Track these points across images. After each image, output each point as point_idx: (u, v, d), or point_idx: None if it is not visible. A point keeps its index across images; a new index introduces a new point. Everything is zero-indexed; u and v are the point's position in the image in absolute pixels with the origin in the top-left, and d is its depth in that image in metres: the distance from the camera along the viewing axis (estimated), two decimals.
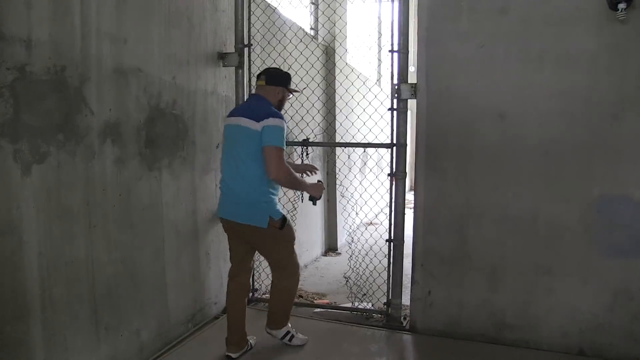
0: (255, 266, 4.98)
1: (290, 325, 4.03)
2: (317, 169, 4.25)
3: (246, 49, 4.76)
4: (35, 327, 2.91)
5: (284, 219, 3.62)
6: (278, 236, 3.66)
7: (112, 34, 3.38)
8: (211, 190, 4.60)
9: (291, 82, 3.87)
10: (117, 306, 3.52)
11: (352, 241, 4.99)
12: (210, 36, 4.53)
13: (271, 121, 3.45)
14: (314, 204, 3.97)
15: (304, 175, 4.19)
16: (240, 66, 4.72)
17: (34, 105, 2.84)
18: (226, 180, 3.68)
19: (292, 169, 3.58)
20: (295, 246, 3.87)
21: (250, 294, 4.92)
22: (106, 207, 3.40)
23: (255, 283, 5.02)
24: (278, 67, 3.96)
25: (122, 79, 3.49)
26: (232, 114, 3.78)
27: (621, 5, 3.51)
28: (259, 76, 3.80)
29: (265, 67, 5.15)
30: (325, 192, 4.80)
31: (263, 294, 5.15)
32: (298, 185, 3.71)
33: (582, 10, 3.71)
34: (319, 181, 3.96)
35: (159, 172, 3.89)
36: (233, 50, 4.74)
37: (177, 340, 4.11)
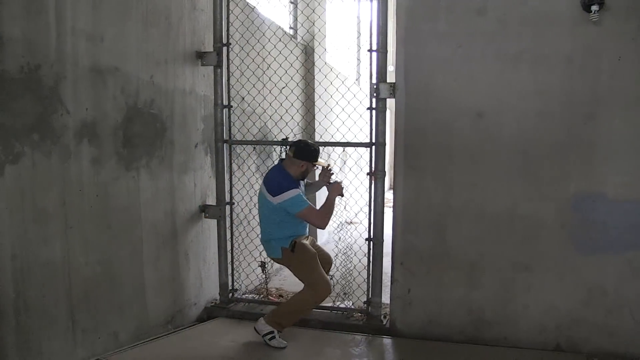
0: (235, 266, 4.94)
1: (277, 332, 4.05)
2: (330, 172, 4.38)
3: (225, 48, 4.68)
4: (8, 332, 2.84)
5: (293, 244, 4.06)
6: (295, 259, 4.10)
7: (88, 32, 3.31)
8: (190, 190, 4.54)
9: (318, 157, 4.18)
10: (94, 308, 3.46)
11: (339, 239, 4.99)
12: (189, 35, 4.47)
13: (285, 196, 3.95)
14: (342, 196, 4.27)
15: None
16: (219, 65, 4.65)
17: (7, 105, 2.77)
18: (260, 224, 4.28)
19: (321, 208, 4.06)
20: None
21: (230, 294, 4.88)
22: (83, 208, 3.34)
23: (235, 283, 4.97)
24: (308, 141, 4.26)
25: (99, 78, 3.43)
26: (264, 179, 4.20)
27: (594, 7, 3.57)
28: (290, 146, 4.17)
29: (245, 66, 5.18)
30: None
31: (243, 294, 5.10)
32: (333, 208, 4.10)
33: (558, 11, 3.73)
34: (331, 183, 4.20)
35: (136, 172, 3.83)
36: (212, 49, 4.67)
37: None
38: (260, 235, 4.32)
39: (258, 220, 4.33)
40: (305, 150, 4.11)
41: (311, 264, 4.09)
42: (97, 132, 3.42)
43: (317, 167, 4.34)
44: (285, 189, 3.97)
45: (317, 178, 4.49)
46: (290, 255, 4.08)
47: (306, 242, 4.22)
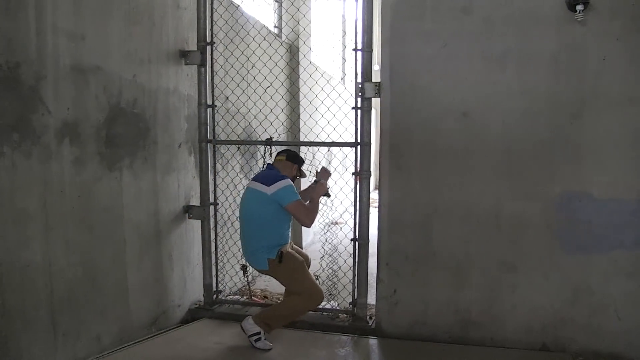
0: (219, 268, 4.91)
1: (263, 333, 4.03)
2: (329, 174, 4.46)
3: (209, 47, 4.65)
4: None
5: (280, 254, 4.01)
6: (283, 270, 4.06)
7: (69, 30, 3.27)
8: (173, 191, 4.51)
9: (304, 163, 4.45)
10: (76, 311, 3.42)
11: (326, 241, 4.99)
12: (172, 34, 4.43)
13: (280, 184, 4.00)
14: (329, 197, 4.41)
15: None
16: (202, 64, 4.62)
17: None
18: (240, 235, 4.27)
19: (309, 206, 4.12)
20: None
21: (214, 296, 4.86)
22: (64, 209, 3.31)
23: (220, 285, 4.94)
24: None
25: (81, 77, 3.40)
26: (252, 179, 4.24)
27: (579, 7, 3.61)
28: (279, 153, 4.34)
29: (229, 65, 5.17)
30: None
31: (227, 296, 5.08)
32: (318, 207, 4.20)
33: (543, 11, 3.76)
34: (315, 182, 4.29)
35: (119, 172, 3.79)
36: (195, 48, 4.63)
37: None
38: (242, 249, 4.29)
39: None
40: (295, 155, 4.32)
41: (301, 272, 4.08)
42: (78, 132, 3.38)
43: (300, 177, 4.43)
44: (281, 178, 4.04)
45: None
46: (278, 266, 4.03)
47: (290, 249, 4.21)
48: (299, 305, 4.09)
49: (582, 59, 3.72)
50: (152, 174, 4.21)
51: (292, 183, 4.08)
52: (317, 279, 4.43)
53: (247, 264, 4.42)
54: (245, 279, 4.78)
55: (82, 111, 3.41)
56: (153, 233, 4.26)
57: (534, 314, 3.97)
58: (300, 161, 4.34)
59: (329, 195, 4.33)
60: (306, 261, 4.35)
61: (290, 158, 4.27)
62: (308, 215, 4.04)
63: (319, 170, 4.38)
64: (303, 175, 4.40)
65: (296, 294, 4.08)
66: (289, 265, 4.05)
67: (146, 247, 4.17)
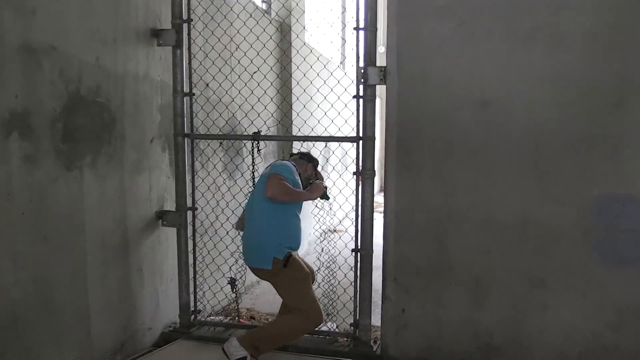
0: (198, 283, 4.81)
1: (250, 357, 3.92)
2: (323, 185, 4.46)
3: (185, 25, 4.59)
4: None
5: (288, 256, 3.97)
6: (285, 276, 4.00)
7: (15, 2, 3.16)
8: (144, 194, 4.45)
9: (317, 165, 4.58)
10: (24, 337, 3.31)
11: (322, 250, 4.92)
12: (142, 9, 4.36)
13: (278, 163, 4.16)
14: (327, 199, 4.45)
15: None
16: (178, 45, 4.54)
17: None
18: (245, 225, 4.26)
19: (289, 186, 3.96)
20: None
21: (192, 317, 4.77)
22: (12, 216, 3.21)
23: (199, 303, 4.85)
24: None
25: (32, 59, 3.30)
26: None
27: None
28: (292, 154, 4.58)
29: (210, 47, 5.26)
30: None
31: (208, 316, 4.96)
32: (299, 197, 4.10)
33: None
34: (312, 183, 4.32)
35: (79, 172, 3.71)
36: (169, 26, 4.56)
37: None
38: (244, 245, 4.20)
39: (233, 227, 4.20)
40: (311, 156, 4.48)
41: (305, 285, 4.05)
42: (29, 125, 3.28)
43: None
44: (284, 162, 4.19)
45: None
46: (281, 271, 3.96)
47: (298, 258, 4.15)
48: (294, 326, 4.02)
49: (627, 36, 3.58)
50: (119, 174, 4.13)
51: (291, 167, 4.09)
52: None
53: (236, 277, 4.32)
54: (234, 293, 4.70)
55: (33, 99, 3.30)
56: (120, 243, 4.18)
57: (568, 340, 3.88)
58: (314, 160, 4.46)
59: (327, 198, 4.31)
60: (312, 276, 4.30)
61: (304, 156, 4.42)
62: (275, 189, 3.87)
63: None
64: (320, 177, 4.44)
65: (292, 310, 4.02)
66: (293, 274, 4.00)
67: (111, 259, 4.09)
